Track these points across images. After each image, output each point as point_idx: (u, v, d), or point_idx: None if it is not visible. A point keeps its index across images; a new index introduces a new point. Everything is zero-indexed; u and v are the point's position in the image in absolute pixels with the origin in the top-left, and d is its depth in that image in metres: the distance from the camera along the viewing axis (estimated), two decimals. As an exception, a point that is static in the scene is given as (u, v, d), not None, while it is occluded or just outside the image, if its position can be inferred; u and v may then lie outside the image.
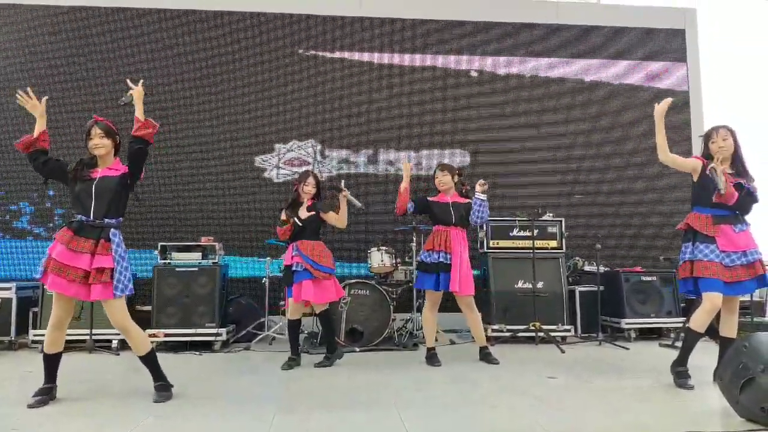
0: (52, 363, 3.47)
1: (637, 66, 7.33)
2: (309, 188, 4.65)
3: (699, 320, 3.63)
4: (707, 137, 3.88)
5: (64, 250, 3.24)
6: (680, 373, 3.72)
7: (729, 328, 3.81)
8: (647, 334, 6.08)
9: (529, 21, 7.23)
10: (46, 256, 3.31)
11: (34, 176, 6.48)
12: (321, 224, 4.66)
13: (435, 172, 4.82)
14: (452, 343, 5.78)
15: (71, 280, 3.22)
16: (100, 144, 3.52)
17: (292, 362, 4.55)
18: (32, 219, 6.52)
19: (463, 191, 4.87)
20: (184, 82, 6.79)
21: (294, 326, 4.67)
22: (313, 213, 4.59)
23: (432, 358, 4.60)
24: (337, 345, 4.79)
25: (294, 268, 4.50)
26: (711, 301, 3.55)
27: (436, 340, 5.12)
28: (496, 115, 7.13)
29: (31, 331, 5.57)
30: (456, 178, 4.79)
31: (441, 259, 4.55)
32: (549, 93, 7.22)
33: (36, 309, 5.61)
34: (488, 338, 5.60)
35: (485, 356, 4.70)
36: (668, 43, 7.38)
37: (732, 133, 3.76)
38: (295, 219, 4.55)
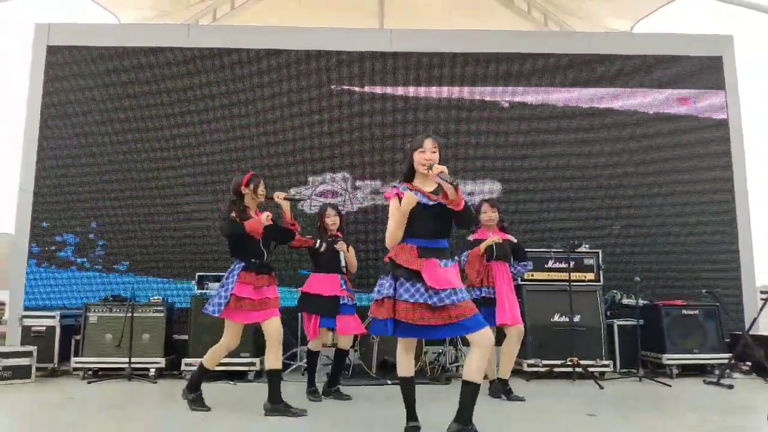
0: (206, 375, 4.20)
1: (674, 94, 7.23)
2: (333, 219, 4.73)
3: None
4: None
5: (252, 289, 4.00)
6: None
7: None
8: (690, 371, 5.85)
9: (562, 52, 7.23)
10: (230, 297, 3.97)
11: (78, 208, 6.78)
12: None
13: (482, 207, 4.78)
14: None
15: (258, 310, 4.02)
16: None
17: (316, 393, 4.56)
18: (76, 250, 6.74)
19: (504, 226, 4.88)
20: (221, 118, 6.98)
21: (315, 357, 4.70)
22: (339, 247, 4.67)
23: (494, 391, 4.61)
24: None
25: (343, 301, 4.55)
26: None
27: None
28: (529, 145, 7.09)
29: (73, 359, 5.69)
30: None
31: (484, 294, 4.52)
32: (584, 123, 7.16)
33: (78, 337, 5.76)
34: (524, 373, 5.51)
35: (509, 392, 4.58)
36: (705, 71, 7.27)
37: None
38: (342, 251, 4.64)
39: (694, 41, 7.39)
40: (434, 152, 3.14)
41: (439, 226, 3.13)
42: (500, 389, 4.60)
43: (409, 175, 3.24)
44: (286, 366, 5.86)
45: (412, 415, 3.22)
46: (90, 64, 6.98)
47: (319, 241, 4.62)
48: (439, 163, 3.10)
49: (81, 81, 6.97)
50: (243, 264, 4.04)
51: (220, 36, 7.22)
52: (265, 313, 4.03)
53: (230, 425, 3.69)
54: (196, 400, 4.08)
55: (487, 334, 3.02)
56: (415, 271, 3.03)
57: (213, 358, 4.15)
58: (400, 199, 3.10)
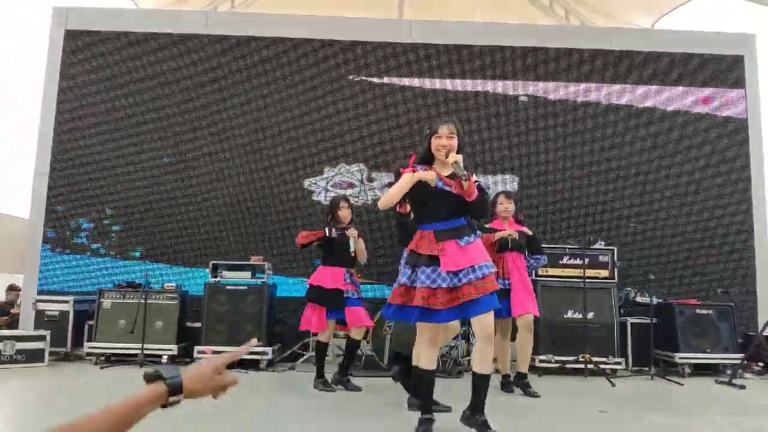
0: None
1: (694, 93, 7.14)
2: (346, 212, 4.71)
3: None
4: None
5: None
6: None
7: None
8: (702, 370, 5.82)
9: (581, 47, 7.16)
10: None
11: (93, 194, 6.81)
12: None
13: (498, 198, 4.76)
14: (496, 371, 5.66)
15: None
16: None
17: (327, 383, 4.58)
18: (91, 235, 6.78)
19: (520, 219, 4.88)
20: (237, 106, 6.99)
21: (324, 349, 4.71)
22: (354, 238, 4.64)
23: (506, 386, 4.64)
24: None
25: (347, 295, 4.55)
26: None
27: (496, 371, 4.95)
28: (546, 140, 7.04)
29: (87, 344, 5.74)
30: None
31: (500, 286, 4.49)
32: (602, 119, 7.10)
33: (92, 322, 5.80)
34: (536, 369, 5.49)
35: (525, 386, 4.57)
36: (726, 70, 7.18)
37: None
38: (352, 237, 4.60)
39: (715, 39, 7.30)
40: (450, 137, 3.11)
41: (453, 207, 3.10)
42: (517, 383, 4.61)
43: (427, 158, 3.22)
44: (298, 356, 5.89)
45: (427, 407, 3.22)
46: (108, 49, 6.99)
47: (327, 229, 4.60)
48: (458, 150, 3.09)
49: (98, 66, 6.98)
50: None
51: (239, 24, 7.21)
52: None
53: (244, 414, 3.70)
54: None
55: (483, 321, 2.98)
56: (435, 257, 3.03)
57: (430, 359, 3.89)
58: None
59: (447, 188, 3.11)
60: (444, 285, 2.97)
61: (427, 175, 3.08)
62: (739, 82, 7.14)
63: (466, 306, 2.97)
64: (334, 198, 4.95)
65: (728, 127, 7.08)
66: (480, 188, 3.08)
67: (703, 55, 7.15)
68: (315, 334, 4.88)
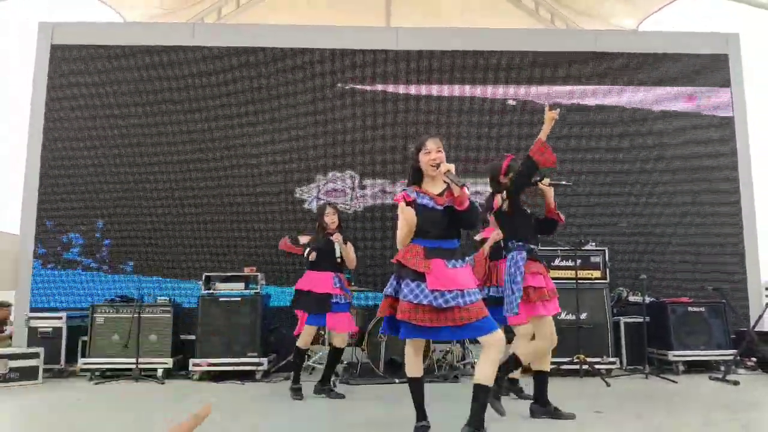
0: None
1: (679, 92, 7.21)
2: (332, 218, 4.70)
3: None
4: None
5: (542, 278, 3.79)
6: None
7: None
8: (696, 367, 5.86)
9: (567, 50, 7.22)
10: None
11: (83, 207, 6.78)
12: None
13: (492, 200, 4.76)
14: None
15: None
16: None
17: (299, 391, 4.59)
18: (81, 250, 6.74)
19: None
20: (227, 115, 6.98)
21: (303, 355, 4.73)
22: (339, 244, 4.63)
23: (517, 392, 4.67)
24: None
25: (335, 300, 4.54)
26: None
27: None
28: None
29: (81, 360, 5.70)
30: None
31: (492, 293, 4.47)
32: (589, 120, 7.15)
33: (85, 338, 5.76)
34: (530, 371, 5.49)
35: (519, 390, 4.61)
36: (711, 69, 7.26)
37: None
38: (338, 242, 4.59)
39: (700, 39, 7.37)
40: (439, 151, 3.12)
41: (447, 227, 3.11)
42: (511, 389, 4.61)
43: (417, 177, 3.23)
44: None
45: (421, 414, 3.23)
46: (94, 63, 6.98)
47: (308, 250, 4.61)
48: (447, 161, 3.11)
49: (85, 80, 6.96)
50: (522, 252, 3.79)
51: (226, 35, 7.22)
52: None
53: (240, 425, 3.69)
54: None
55: (497, 336, 3.00)
56: (421, 273, 3.02)
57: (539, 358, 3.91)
58: (407, 203, 3.09)
59: (438, 208, 3.11)
60: (425, 302, 2.95)
61: (408, 216, 3.06)
62: (724, 81, 7.22)
63: (465, 327, 2.97)
64: (320, 205, 5.02)
65: (715, 126, 7.16)
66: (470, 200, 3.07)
67: (688, 55, 7.23)
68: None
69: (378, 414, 3.99)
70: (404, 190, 3.23)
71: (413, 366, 3.23)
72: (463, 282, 3.02)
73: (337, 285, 4.60)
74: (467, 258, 4.47)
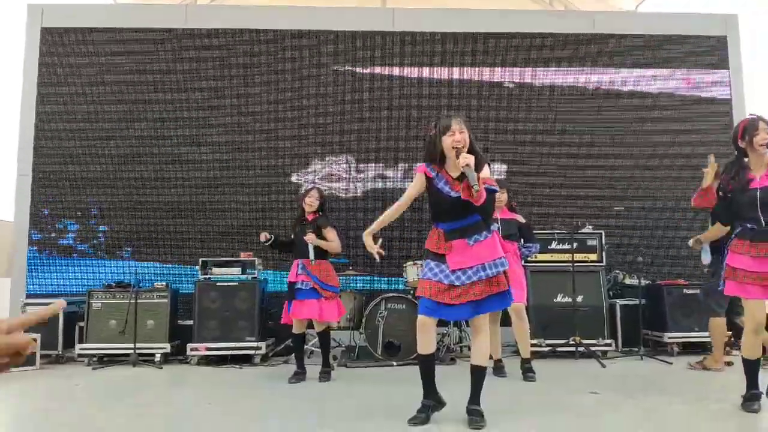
0: None
1: (678, 74, 7.18)
2: (311, 200, 4.73)
3: None
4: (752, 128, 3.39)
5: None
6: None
7: None
8: (690, 349, 5.90)
9: (565, 31, 7.16)
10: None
11: (78, 193, 6.74)
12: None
13: None
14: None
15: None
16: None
17: (300, 376, 4.61)
18: (77, 236, 6.71)
19: (513, 206, 4.97)
20: (222, 99, 6.93)
21: (299, 340, 4.74)
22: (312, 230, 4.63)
23: (498, 370, 4.77)
24: (330, 362, 4.85)
25: (298, 286, 4.57)
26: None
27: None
28: (533, 127, 7.06)
29: (78, 345, 5.71)
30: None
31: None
32: (587, 103, 7.12)
33: (82, 324, 5.76)
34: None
35: (526, 370, 4.65)
36: (709, 51, 7.22)
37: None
38: (310, 242, 4.59)
39: (698, 20, 7.33)
40: (462, 132, 3.10)
41: (464, 205, 3.09)
42: (521, 367, 4.70)
43: (437, 157, 3.19)
44: (292, 349, 5.89)
45: (430, 392, 3.25)
46: (86, 46, 6.89)
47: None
48: (470, 145, 3.10)
49: (77, 63, 6.88)
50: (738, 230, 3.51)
51: (218, 17, 7.14)
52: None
53: (239, 409, 3.71)
54: None
55: (482, 318, 3.14)
56: (442, 254, 3.11)
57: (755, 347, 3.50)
58: (426, 177, 3.20)
59: (453, 194, 3.11)
60: (446, 282, 3.05)
61: (418, 181, 3.24)
62: (722, 63, 7.18)
63: (479, 303, 3.05)
64: (308, 188, 4.99)
65: (713, 108, 7.14)
66: (489, 190, 3.03)
67: (687, 37, 7.19)
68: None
69: (376, 396, 4.01)
70: (427, 165, 3.25)
71: (426, 343, 3.19)
72: (486, 255, 3.08)
73: (300, 271, 4.61)
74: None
